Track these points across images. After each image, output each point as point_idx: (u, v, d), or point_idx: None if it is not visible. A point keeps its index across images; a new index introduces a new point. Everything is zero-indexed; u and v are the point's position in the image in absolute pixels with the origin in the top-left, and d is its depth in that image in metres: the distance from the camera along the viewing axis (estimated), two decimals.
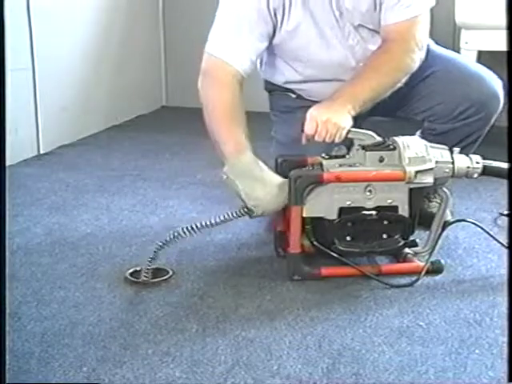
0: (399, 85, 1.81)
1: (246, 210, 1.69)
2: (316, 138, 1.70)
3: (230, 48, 1.80)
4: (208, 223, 1.70)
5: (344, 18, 1.83)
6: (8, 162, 2.25)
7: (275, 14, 1.81)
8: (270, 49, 1.92)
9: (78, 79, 3.21)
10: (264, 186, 1.69)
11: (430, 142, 1.73)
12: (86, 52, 3.26)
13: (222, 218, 1.70)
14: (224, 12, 1.84)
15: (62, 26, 3.03)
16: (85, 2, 3.23)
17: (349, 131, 1.70)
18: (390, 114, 2.03)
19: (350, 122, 1.70)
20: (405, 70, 1.81)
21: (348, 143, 1.72)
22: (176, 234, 1.69)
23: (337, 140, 1.69)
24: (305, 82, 1.96)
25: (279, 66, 1.97)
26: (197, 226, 1.69)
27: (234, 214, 1.70)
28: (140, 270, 1.72)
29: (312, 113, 1.71)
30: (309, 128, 1.70)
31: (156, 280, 1.70)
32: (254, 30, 1.81)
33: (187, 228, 1.69)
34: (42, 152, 2.91)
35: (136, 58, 3.65)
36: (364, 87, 1.76)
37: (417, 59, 1.82)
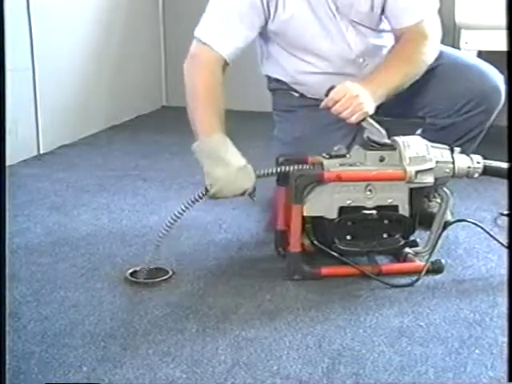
0: (418, 77, 1.82)
1: (204, 188, 1.69)
2: (337, 106, 1.68)
3: (217, 34, 1.83)
4: (178, 212, 1.69)
5: (340, 13, 1.84)
6: (8, 162, 2.24)
7: (268, 5, 1.83)
8: (271, 40, 1.93)
9: (78, 79, 3.21)
10: (224, 167, 1.68)
11: (432, 137, 1.73)
12: (86, 52, 3.25)
13: (187, 202, 1.69)
14: (216, 0, 1.86)
15: (61, 26, 3.03)
16: (85, 2, 3.23)
17: (365, 119, 1.69)
18: (392, 112, 2.03)
19: (373, 110, 1.70)
20: (427, 61, 1.84)
21: (353, 133, 1.69)
22: (161, 234, 1.69)
23: (353, 120, 1.68)
24: (307, 73, 1.96)
25: (279, 58, 1.98)
26: (173, 219, 1.69)
27: (196, 196, 1.69)
28: (140, 270, 1.72)
29: (347, 83, 1.70)
30: (337, 94, 1.68)
31: (156, 280, 1.70)
32: (244, 18, 1.83)
33: (166, 225, 1.69)
34: (42, 152, 2.91)
35: (136, 57, 3.65)
36: (394, 76, 1.78)
37: (434, 53, 1.86)
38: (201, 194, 1.69)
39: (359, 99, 1.67)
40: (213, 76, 1.81)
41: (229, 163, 1.68)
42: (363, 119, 1.68)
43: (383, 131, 1.71)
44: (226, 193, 1.69)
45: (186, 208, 1.69)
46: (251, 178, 1.68)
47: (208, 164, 1.70)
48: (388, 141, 1.70)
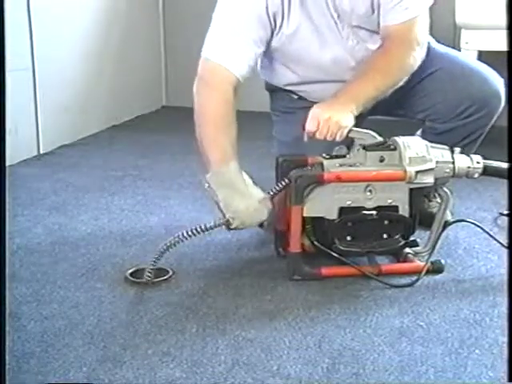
0: (400, 83, 1.81)
1: (224, 221, 1.69)
2: (317, 135, 1.70)
3: (228, 52, 1.78)
4: (188, 233, 1.69)
5: (342, 20, 1.82)
6: (8, 162, 2.26)
7: (275, 19, 1.80)
8: (269, 52, 1.91)
9: (78, 79, 3.21)
10: (244, 198, 1.69)
11: (431, 141, 1.73)
12: (86, 52, 3.25)
13: (201, 227, 1.70)
14: (221, 16, 1.82)
15: (62, 26, 3.03)
16: (85, 2, 3.23)
17: (350, 130, 1.69)
18: (391, 112, 2.03)
19: (352, 121, 1.70)
20: (406, 69, 1.81)
21: (349, 142, 1.71)
22: (165, 246, 1.69)
23: (338, 139, 1.69)
24: (305, 83, 1.96)
25: (279, 70, 1.96)
26: (179, 237, 1.69)
27: (213, 224, 1.70)
28: (140, 270, 1.72)
29: (314, 110, 1.71)
30: (310, 125, 1.70)
31: (156, 280, 1.70)
32: (252, 34, 1.79)
33: (174, 239, 1.69)
34: (42, 152, 2.91)
35: (136, 58, 3.65)
36: (367, 86, 1.76)
37: (418, 58, 1.82)
38: (221, 223, 1.69)
39: (333, 119, 1.68)
40: (225, 100, 1.77)
41: (248, 195, 1.70)
42: (349, 132, 1.69)
43: (372, 133, 1.71)
44: (247, 225, 1.71)
45: (203, 231, 1.70)
46: (270, 208, 1.70)
47: (225, 196, 1.69)
48: (381, 138, 1.71)
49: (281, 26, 1.82)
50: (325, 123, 1.68)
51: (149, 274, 1.69)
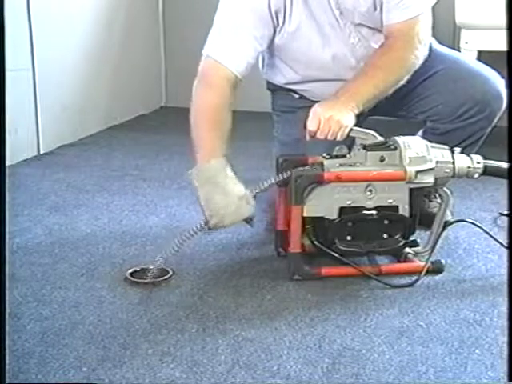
0: (402, 82, 1.81)
1: (203, 221, 1.67)
2: (318, 135, 1.70)
3: (227, 50, 1.79)
4: (176, 245, 1.69)
5: (344, 18, 1.83)
6: (8, 162, 2.26)
7: (277, 16, 1.81)
8: (271, 50, 1.91)
9: (77, 79, 3.21)
10: (224, 195, 1.67)
11: (432, 141, 1.73)
12: (85, 52, 3.25)
13: (185, 235, 1.68)
14: (223, 14, 1.83)
15: (61, 26, 3.03)
16: (85, 2, 3.23)
17: (351, 130, 1.69)
18: (392, 113, 2.03)
19: (353, 121, 1.70)
20: (408, 68, 1.81)
21: (350, 142, 1.71)
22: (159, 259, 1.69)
23: (339, 138, 1.69)
24: (305, 82, 1.96)
25: (280, 67, 1.97)
26: (174, 250, 1.69)
27: (195, 229, 1.68)
28: (140, 270, 1.72)
29: (316, 109, 1.71)
30: (312, 124, 1.70)
31: (156, 280, 1.70)
32: (253, 32, 1.80)
33: (165, 253, 1.69)
34: (42, 152, 2.91)
35: (136, 57, 3.65)
36: (368, 85, 1.76)
37: (420, 56, 1.82)
38: (199, 226, 1.67)
39: (334, 118, 1.67)
40: (221, 96, 1.77)
41: (229, 192, 1.67)
42: (349, 131, 1.69)
43: (373, 132, 1.71)
44: (227, 223, 1.68)
45: (184, 241, 1.69)
46: (251, 205, 1.68)
47: (206, 191, 1.68)
48: (382, 138, 1.71)
49: (283, 23, 1.82)
50: (326, 122, 1.68)
51: (152, 274, 1.69)
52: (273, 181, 1.71)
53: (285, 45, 1.87)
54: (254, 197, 1.70)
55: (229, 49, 1.79)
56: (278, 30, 1.83)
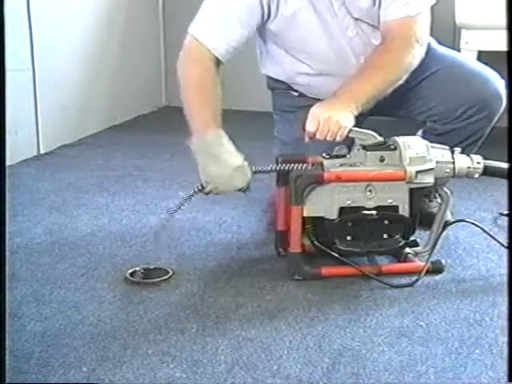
0: (400, 82, 1.81)
1: (199, 184, 1.70)
2: (317, 136, 1.70)
3: (210, 32, 1.81)
4: (175, 208, 1.71)
5: (343, 9, 1.83)
6: (8, 162, 2.25)
7: (269, 5, 1.82)
8: (271, 41, 1.92)
9: (78, 79, 3.21)
10: (218, 164, 1.70)
11: (432, 142, 1.73)
12: (85, 52, 3.25)
13: (183, 198, 1.71)
14: None
15: (61, 26, 3.02)
16: (85, 2, 3.23)
17: (350, 130, 1.69)
18: (392, 113, 2.03)
19: (352, 121, 1.70)
20: (406, 67, 1.81)
21: (349, 142, 1.72)
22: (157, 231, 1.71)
23: (338, 139, 1.69)
24: (305, 74, 1.96)
25: (280, 57, 1.97)
26: (170, 213, 1.71)
27: (191, 192, 1.71)
28: (140, 270, 1.72)
29: (314, 110, 1.71)
30: (310, 126, 1.70)
31: (156, 280, 1.70)
32: (239, 16, 1.81)
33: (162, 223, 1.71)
34: (42, 152, 2.91)
35: (136, 58, 3.65)
36: (366, 85, 1.76)
37: (417, 56, 1.82)
38: (196, 190, 1.71)
39: (333, 119, 1.68)
40: (205, 71, 1.80)
41: (224, 162, 1.69)
42: (349, 132, 1.69)
43: (372, 133, 1.71)
44: (221, 191, 1.72)
45: (182, 204, 1.71)
46: (247, 176, 1.70)
47: (203, 161, 1.71)
48: (382, 138, 1.71)
49: (277, 9, 1.83)
50: (325, 123, 1.68)
51: (142, 274, 1.70)
52: (274, 168, 1.73)
53: (282, 30, 1.87)
54: (254, 172, 1.71)
55: (212, 32, 1.82)
56: (271, 17, 1.84)
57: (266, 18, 1.84)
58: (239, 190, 1.72)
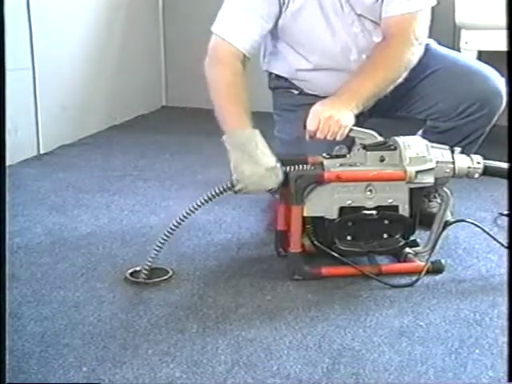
0: (400, 80, 1.82)
1: (229, 182, 1.68)
2: (318, 134, 1.70)
3: (233, 29, 1.83)
4: (196, 205, 1.69)
5: (348, 5, 1.84)
6: (8, 162, 2.25)
7: None
8: (275, 35, 1.93)
9: (78, 79, 3.20)
10: (252, 163, 1.68)
11: (433, 140, 1.73)
12: (86, 52, 3.25)
13: (208, 195, 1.69)
14: None
15: (62, 26, 3.02)
16: (85, 2, 3.23)
17: (351, 130, 1.69)
18: (393, 114, 2.03)
19: (353, 121, 1.70)
20: (406, 64, 1.82)
21: (349, 142, 1.72)
22: (171, 228, 1.68)
23: (338, 138, 1.69)
24: (308, 70, 1.96)
25: (284, 53, 1.98)
26: (187, 213, 1.69)
27: (221, 188, 1.69)
28: (140, 270, 1.72)
29: (315, 109, 1.72)
30: (311, 124, 1.70)
31: (156, 280, 1.70)
32: (260, 10, 1.83)
33: (180, 218, 1.69)
34: (42, 152, 2.91)
35: (136, 57, 3.65)
36: (367, 84, 1.77)
37: (416, 53, 1.83)
38: (226, 187, 1.69)
39: (334, 118, 1.68)
40: (233, 74, 1.82)
41: (257, 162, 1.68)
42: (349, 131, 1.69)
43: (372, 132, 1.71)
44: (251, 190, 1.70)
45: (210, 199, 1.69)
46: (278, 178, 1.68)
47: (237, 158, 1.69)
48: (382, 138, 1.71)
49: (288, 2, 1.85)
50: (326, 122, 1.68)
51: (144, 274, 1.69)
52: (307, 167, 1.71)
53: (287, 26, 1.89)
54: (286, 174, 1.69)
55: (235, 27, 1.84)
56: (283, 9, 1.85)
57: (282, 6, 1.85)
58: (268, 190, 1.71)
